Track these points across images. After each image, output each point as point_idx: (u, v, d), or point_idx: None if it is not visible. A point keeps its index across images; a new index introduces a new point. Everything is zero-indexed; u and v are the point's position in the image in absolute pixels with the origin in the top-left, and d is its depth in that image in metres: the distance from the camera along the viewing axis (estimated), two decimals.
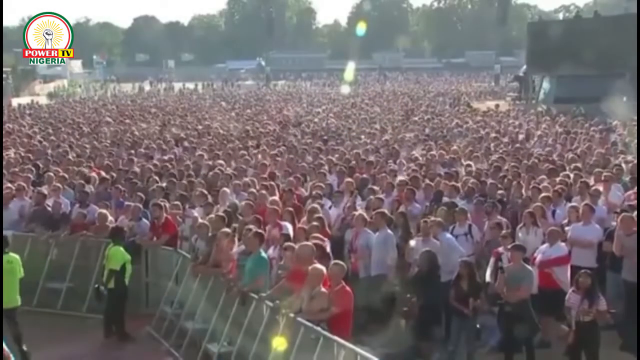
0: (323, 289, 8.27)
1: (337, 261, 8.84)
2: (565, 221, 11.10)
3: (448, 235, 10.47)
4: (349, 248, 10.80)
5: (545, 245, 10.09)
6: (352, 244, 10.76)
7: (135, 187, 13.74)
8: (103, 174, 15.43)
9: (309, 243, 9.17)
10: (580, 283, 8.70)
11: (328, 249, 9.67)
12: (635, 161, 15.18)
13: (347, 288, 8.40)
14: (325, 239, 10.16)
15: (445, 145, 19.24)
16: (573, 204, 11.56)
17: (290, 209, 11.61)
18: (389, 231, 10.59)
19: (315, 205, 11.56)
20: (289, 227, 10.80)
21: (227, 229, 10.35)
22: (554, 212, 11.58)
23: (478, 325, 9.37)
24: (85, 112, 35.71)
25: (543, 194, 11.94)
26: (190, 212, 12.17)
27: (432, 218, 10.77)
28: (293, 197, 12.66)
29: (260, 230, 9.90)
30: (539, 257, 9.92)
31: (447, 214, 11.08)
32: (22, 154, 18.24)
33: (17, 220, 12.89)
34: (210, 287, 10.11)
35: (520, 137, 21.11)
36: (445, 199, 12.33)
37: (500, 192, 12.72)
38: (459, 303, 9.21)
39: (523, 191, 12.74)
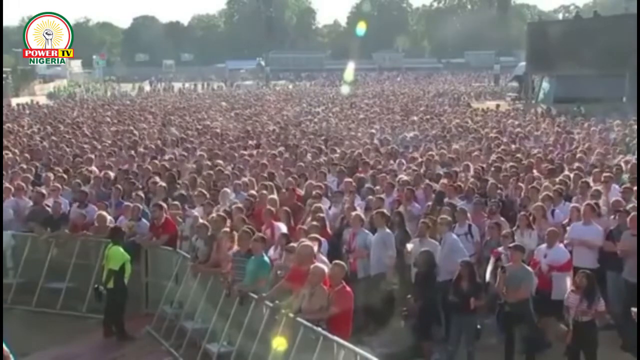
0: (323, 288, 8.28)
1: (337, 261, 8.85)
2: (566, 221, 11.09)
3: (454, 236, 10.45)
4: (346, 248, 10.79)
5: (544, 246, 10.06)
6: (349, 244, 10.77)
7: (134, 187, 13.73)
8: (109, 173, 15.39)
9: (309, 243, 9.16)
10: (578, 283, 8.70)
11: (315, 249, 9.64)
12: (635, 161, 15.19)
13: (348, 288, 8.41)
14: (321, 239, 10.15)
15: (445, 145, 19.23)
16: (574, 204, 11.54)
17: (286, 208, 11.59)
18: (387, 230, 10.59)
19: (319, 204, 11.57)
20: (282, 228, 10.81)
21: (227, 229, 10.36)
22: (553, 212, 11.57)
23: (479, 326, 9.36)
24: (85, 112, 35.69)
25: (544, 194, 11.94)
26: (191, 212, 12.16)
27: (442, 216, 10.75)
28: (294, 196, 12.66)
29: (262, 234, 9.91)
30: (542, 261, 9.88)
31: (448, 214, 11.06)
32: (19, 154, 18.23)
33: (14, 220, 12.88)
34: (210, 287, 10.12)
35: (520, 136, 21.08)
36: (445, 200, 12.32)
37: (499, 191, 12.71)
38: (458, 299, 9.19)
39: (522, 191, 12.74)
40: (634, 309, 8.36)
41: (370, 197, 12.33)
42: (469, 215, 11.11)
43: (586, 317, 8.57)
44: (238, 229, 10.20)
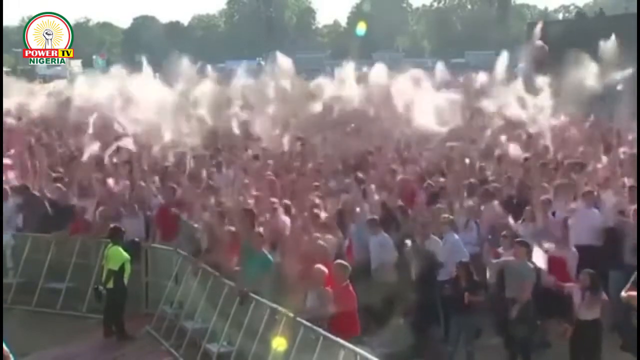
0: (326, 289, 8.30)
1: (340, 261, 8.91)
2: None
3: (455, 236, 10.44)
4: (346, 246, 10.79)
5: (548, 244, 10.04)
6: (349, 244, 10.76)
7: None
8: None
9: (322, 267, 8.91)
10: (581, 281, 8.69)
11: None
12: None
13: (351, 288, 8.45)
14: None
15: (445, 145, 19.15)
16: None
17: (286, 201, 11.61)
18: (384, 234, 10.61)
19: (318, 201, 11.57)
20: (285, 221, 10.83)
21: (229, 226, 10.35)
22: (553, 212, 11.55)
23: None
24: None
25: (544, 194, 11.92)
26: (192, 206, 12.13)
27: (443, 215, 10.76)
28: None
29: (260, 231, 9.92)
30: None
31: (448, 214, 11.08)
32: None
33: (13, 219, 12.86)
34: (210, 286, 10.12)
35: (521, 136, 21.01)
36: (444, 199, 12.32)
37: (499, 191, 12.70)
38: (456, 299, 9.19)
39: (521, 189, 12.72)
40: (623, 294, 8.23)
41: (369, 196, 12.33)
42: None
43: (589, 315, 8.53)
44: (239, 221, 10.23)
